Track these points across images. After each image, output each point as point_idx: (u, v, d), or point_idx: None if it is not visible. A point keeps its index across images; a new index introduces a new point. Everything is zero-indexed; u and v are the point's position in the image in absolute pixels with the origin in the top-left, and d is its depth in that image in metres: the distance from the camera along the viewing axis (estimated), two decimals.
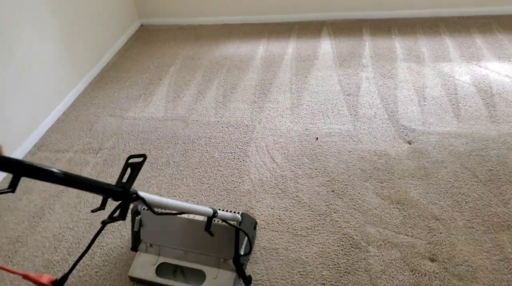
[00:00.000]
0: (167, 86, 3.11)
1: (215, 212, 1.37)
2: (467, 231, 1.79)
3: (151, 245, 1.71)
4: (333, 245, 1.79)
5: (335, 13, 3.85)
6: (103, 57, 3.51)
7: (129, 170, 1.02)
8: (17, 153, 2.48)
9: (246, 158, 2.32)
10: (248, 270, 1.72)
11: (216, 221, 1.47)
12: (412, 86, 2.81)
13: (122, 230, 1.96)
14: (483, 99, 2.60)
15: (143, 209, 1.67)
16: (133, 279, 1.71)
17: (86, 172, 2.33)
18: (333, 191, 2.06)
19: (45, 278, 0.88)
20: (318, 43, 3.51)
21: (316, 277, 1.67)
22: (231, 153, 2.37)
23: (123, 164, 1.02)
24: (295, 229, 1.88)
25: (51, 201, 2.16)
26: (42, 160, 2.47)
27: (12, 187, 0.72)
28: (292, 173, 2.19)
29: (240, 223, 1.63)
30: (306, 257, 1.75)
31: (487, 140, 2.28)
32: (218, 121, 2.66)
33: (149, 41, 3.89)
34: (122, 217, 0.97)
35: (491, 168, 2.10)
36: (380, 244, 1.77)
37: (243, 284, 1.63)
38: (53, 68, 2.84)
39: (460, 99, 2.63)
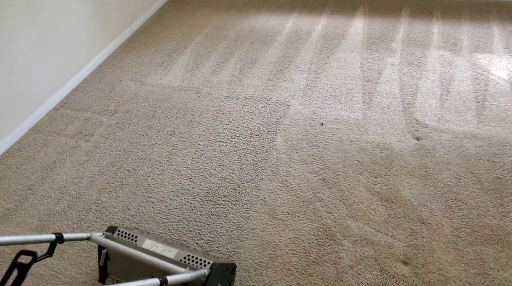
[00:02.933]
0: (189, 56, 3.15)
1: (163, 282, 1.13)
2: (451, 239, 1.71)
3: (117, 281, 1.58)
4: (309, 234, 1.80)
5: None
6: (136, 21, 3.61)
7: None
8: (43, 108, 2.69)
9: (247, 137, 2.34)
10: (223, 252, 1.79)
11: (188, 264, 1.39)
12: (438, 77, 2.62)
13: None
14: None
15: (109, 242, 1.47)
16: None
17: (98, 133, 2.49)
18: (324, 179, 2.04)
19: None
20: (350, 22, 3.34)
21: (284, 262, 1.70)
22: (233, 130, 2.40)
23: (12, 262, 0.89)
24: (276, 213, 1.90)
25: (64, 156, 2.35)
26: (64, 117, 2.66)
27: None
28: (288, 156, 2.19)
29: (208, 277, 1.39)
30: (280, 241, 1.78)
31: (505, 145, 2.10)
32: (229, 96, 2.68)
33: (183, 7, 3.93)
34: None
35: (500, 176, 1.95)
36: (356, 240, 1.75)
37: None
38: (84, 28, 2.99)
39: (489, 97, 2.42)
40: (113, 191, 2.10)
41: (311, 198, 1.95)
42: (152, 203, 2.01)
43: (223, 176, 2.11)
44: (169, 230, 1.87)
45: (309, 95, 2.61)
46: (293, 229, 1.83)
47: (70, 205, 2.05)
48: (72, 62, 2.93)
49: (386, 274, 1.62)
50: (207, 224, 1.88)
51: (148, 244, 1.55)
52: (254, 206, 1.95)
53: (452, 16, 3.23)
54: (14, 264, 0.90)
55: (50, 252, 1.16)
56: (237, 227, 1.86)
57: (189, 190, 2.05)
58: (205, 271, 1.38)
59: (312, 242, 1.76)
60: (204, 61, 3.07)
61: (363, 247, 1.72)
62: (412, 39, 3.01)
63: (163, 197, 2.03)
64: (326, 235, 1.79)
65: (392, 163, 2.09)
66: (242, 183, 2.06)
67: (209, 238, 1.82)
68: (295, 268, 1.67)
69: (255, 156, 2.21)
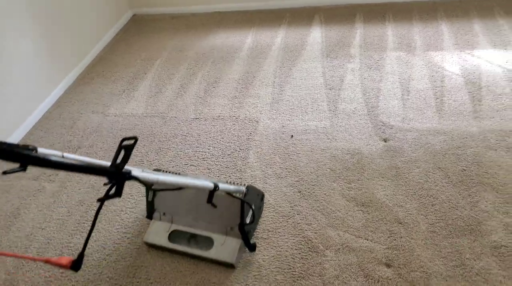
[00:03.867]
0: (151, 81, 3.11)
1: (216, 186, 1.42)
2: (428, 235, 1.75)
3: (164, 214, 1.85)
4: (291, 248, 1.79)
5: None
6: (91, 51, 3.53)
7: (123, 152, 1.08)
8: None
9: (219, 157, 2.32)
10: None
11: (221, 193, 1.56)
12: (397, 78, 2.71)
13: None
14: (469, 92, 2.49)
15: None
16: (148, 244, 1.86)
17: (63, 171, 2.39)
18: (300, 191, 2.04)
19: (65, 260, 1.01)
20: (308, 32, 3.41)
21: (270, 281, 1.68)
22: (204, 152, 2.37)
23: (117, 146, 1.06)
24: (256, 231, 1.88)
25: (28, 200, 2.24)
26: None
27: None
28: (262, 172, 2.18)
29: (245, 194, 1.75)
30: (263, 260, 1.76)
31: (466, 137, 2.19)
32: (196, 118, 2.65)
33: (139, 32, 3.89)
34: (118, 194, 1.03)
35: (465, 168, 2.02)
36: (338, 248, 1.76)
37: (248, 250, 1.77)
38: (35, 65, 2.89)
39: (446, 93, 2.52)
40: (84, 232, 2.01)
41: (289, 212, 1.95)
42: (128, 238, 1.94)
43: None
44: None
45: (277, 108, 2.62)
46: (275, 246, 1.81)
47: (39, 252, 1.94)
48: (28, 101, 2.82)
49: (371, 279, 1.63)
50: None
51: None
52: None
53: (404, 18, 3.36)
54: (121, 146, 1.03)
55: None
56: None
57: None
58: (243, 188, 1.76)
59: (296, 257, 1.75)
60: (167, 84, 3.04)
61: (346, 255, 1.73)
62: (369, 43, 3.11)
63: (138, 231, 1.96)
64: (309, 247, 1.78)
65: (363, 167, 2.12)
66: None
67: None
68: None
69: (229, 176, 2.19)
